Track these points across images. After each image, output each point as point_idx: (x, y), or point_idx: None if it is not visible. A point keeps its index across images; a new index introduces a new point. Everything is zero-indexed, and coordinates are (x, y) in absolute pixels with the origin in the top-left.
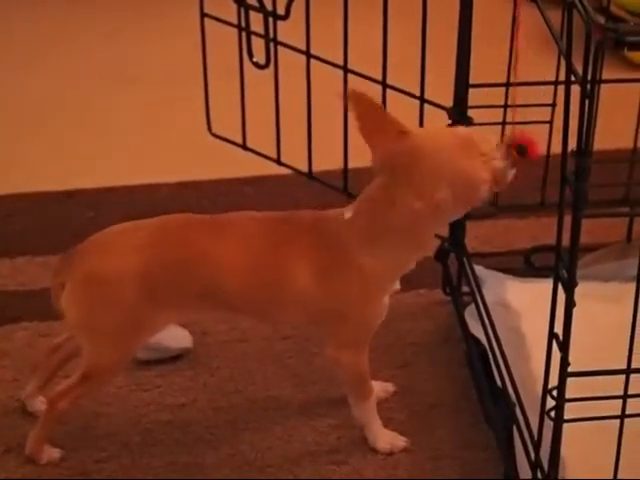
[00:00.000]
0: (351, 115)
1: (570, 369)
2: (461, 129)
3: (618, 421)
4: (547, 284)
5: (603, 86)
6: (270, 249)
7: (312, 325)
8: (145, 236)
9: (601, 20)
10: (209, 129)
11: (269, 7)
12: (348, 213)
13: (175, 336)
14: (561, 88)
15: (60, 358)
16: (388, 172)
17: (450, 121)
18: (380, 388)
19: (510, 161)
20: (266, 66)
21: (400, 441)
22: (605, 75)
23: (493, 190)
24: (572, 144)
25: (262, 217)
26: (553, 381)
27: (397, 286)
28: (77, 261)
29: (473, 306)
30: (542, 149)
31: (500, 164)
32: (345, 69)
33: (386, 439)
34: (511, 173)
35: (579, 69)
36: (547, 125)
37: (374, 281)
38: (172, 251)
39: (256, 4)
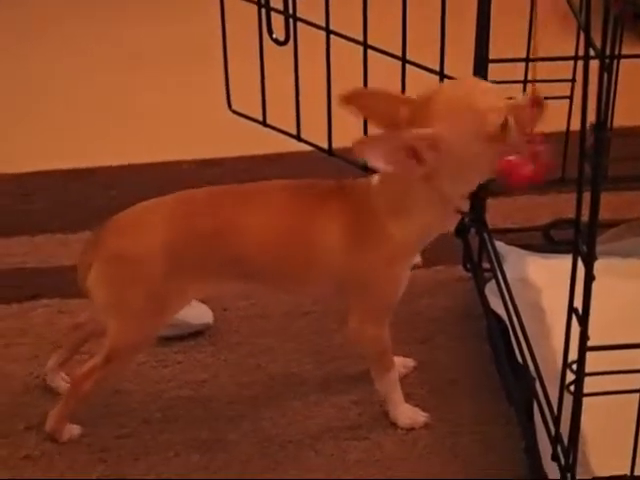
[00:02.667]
0: (359, 116)
1: (590, 343)
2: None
3: (638, 395)
4: (567, 260)
5: (624, 63)
6: (298, 215)
7: (337, 296)
8: (170, 210)
9: None
10: (229, 106)
11: None
12: (375, 180)
13: (196, 312)
14: (581, 63)
15: (81, 336)
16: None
17: None
18: (400, 363)
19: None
20: (286, 42)
21: (421, 416)
22: (626, 52)
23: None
24: (592, 119)
25: (288, 184)
26: (573, 355)
27: (418, 259)
28: (103, 240)
29: (493, 282)
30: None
31: (519, 101)
32: (365, 45)
33: (407, 414)
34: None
35: (598, 44)
36: (567, 100)
37: (400, 246)
38: (198, 223)
39: None
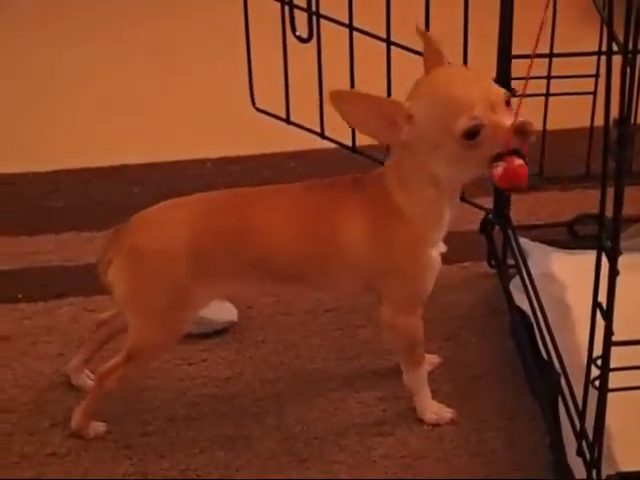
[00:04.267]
0: (349, 119)
1: (614, 339)
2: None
3: None
4: (592, 255)
5: None
6: (319, 212)
7: (365, 290)
8: (194, 209)
9: None
10: (253, 103)
11: None
12: (387, 165)
13: (220, 310)
14: (604, 58)
15: (106, 334)
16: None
17: None
18: (426, 360)
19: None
20: (309, 39)
21: (447, 412)
22: None
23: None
24: (615, 114)
25: (305, 184)
26: (597, 351)
27: (443, 248)
28: (125, 236)
29: (518, 278)
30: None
31: (502, 120)
32: (388, 42)
33: (433, 410)
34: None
35: (621, 39)
36: (590, 96)
37: (416, 224)
38: (222, 222)
39: None
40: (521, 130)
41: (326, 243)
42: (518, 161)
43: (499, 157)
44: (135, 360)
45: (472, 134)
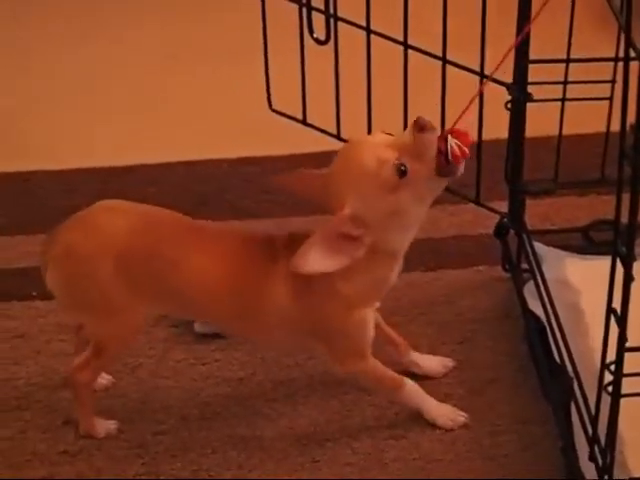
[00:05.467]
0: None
1: (628, 344)
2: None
3: None
4: (607, 261)
5: None
6: (250, 266)
7: (302, 345)
8: (131, 221)
9: None
10: (269, 105)
11: None
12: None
13: None
14: (621, 64)
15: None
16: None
17: (510, 97)
18: (439, 363)
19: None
20: (326, 42)
21: (460, 417)
22: None
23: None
24: (631, 120)
25: (248, 235)
26: (611, 356)
27: (377, 304)
28: (57, 239)
29: (532, 283)
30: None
31: (403, 138)
32: (405, 45)
33: (448, 415)
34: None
35: (639, 45)
36: (606, 101)
37: (352, 302)
38: (150, 243)
39: None
40: (418, 125)
41: (249, 298)
42: (453, 142)
43: (441, 155)
44: (104, 352)
45: (400, 171)
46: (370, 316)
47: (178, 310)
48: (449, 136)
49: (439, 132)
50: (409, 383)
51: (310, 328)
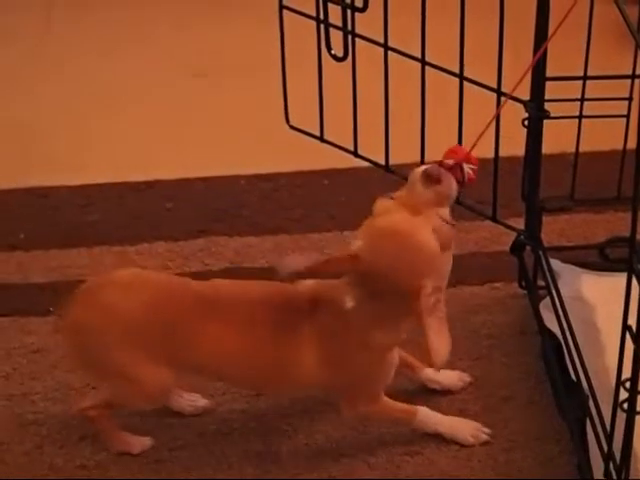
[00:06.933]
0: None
1: None
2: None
3: None
4: (622, 278)
5: None
6: (269, 336)
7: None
8: (141, 298)
9: None
10: (287, 121)
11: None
12: (350, 302)
13: None
14: (638, 82)
15: None
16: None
17: (527, 114)
18: (457, 377)
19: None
20: (344, 58)
21: (482, 434)
22: None
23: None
24: None
25: (262, 298)
26: (626, 373)
27: None
28: (69, 311)
29: (548, 299)
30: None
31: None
32: (423, 61)
33: (470, 432)
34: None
35: None
36: (623, 119)
37: (386, 346)
38: (164, 322)
39: None
40: (435, 177)
41: (275, 367)
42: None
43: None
44: (120, 407)
45: (452, 227)
46: (392, 363)
47: (202, 378)
48: (463, 164)
49: (451, 162)
50: (421, 410)
51: (334, 380)
